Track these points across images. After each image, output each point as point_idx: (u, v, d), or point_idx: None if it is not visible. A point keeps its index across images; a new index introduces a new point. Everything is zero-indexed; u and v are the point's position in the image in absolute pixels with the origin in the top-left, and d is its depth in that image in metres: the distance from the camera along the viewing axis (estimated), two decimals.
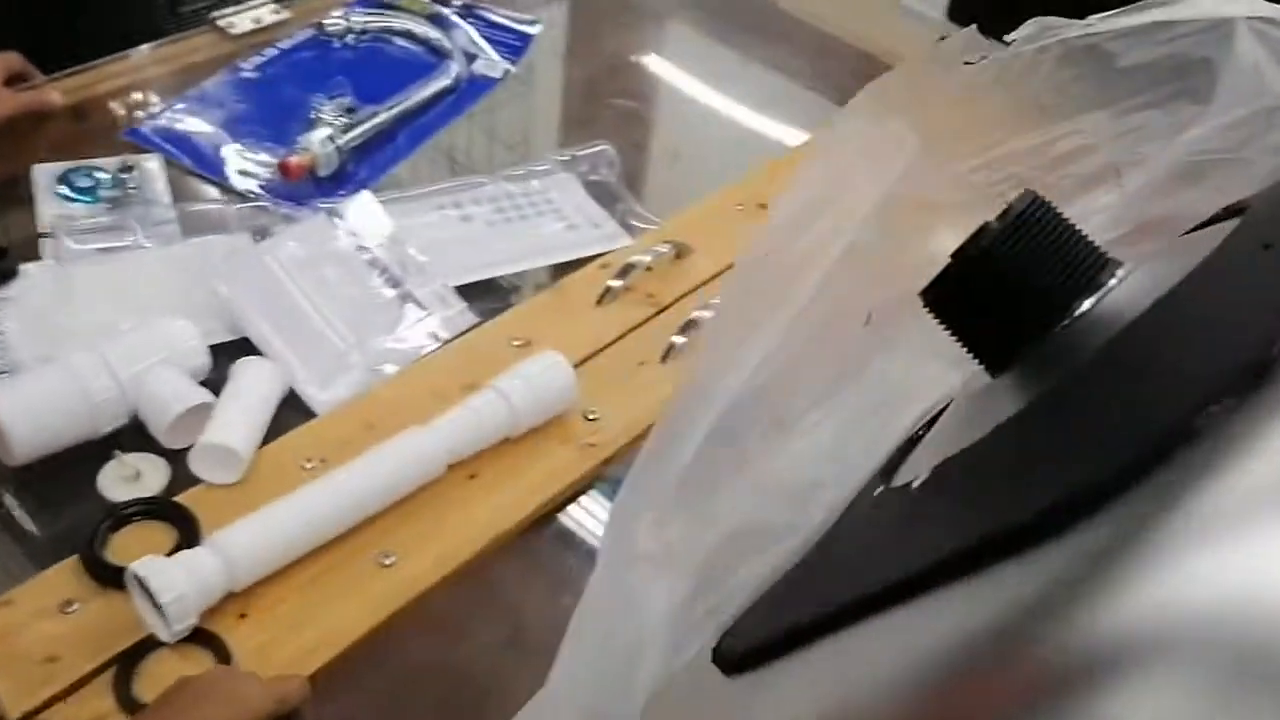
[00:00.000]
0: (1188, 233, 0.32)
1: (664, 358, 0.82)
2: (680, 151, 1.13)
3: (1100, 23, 0.32)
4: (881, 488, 0.31)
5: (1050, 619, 0.17)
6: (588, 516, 0.75)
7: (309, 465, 0.70)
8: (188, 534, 0.64)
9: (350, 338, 0.76)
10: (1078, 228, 0.29)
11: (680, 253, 0.90)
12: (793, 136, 1.09)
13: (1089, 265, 0.28)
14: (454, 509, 0.70)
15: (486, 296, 0.86)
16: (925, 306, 0.30)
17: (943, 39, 0.39)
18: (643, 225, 0.95)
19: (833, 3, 1.26)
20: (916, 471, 0.31)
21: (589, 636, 0.27)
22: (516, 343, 0.81)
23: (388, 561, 0.66)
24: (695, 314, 0.83)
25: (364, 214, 0.85)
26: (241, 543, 0.61)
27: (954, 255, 0.30)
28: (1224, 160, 0.37)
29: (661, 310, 0.86)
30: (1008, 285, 0.28)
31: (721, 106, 1.16)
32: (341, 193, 0.90)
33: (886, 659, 0.21)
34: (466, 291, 0.84)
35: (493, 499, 0.71)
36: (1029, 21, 0.32)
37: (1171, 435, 0.18)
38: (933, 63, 0.34)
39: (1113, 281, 0.28)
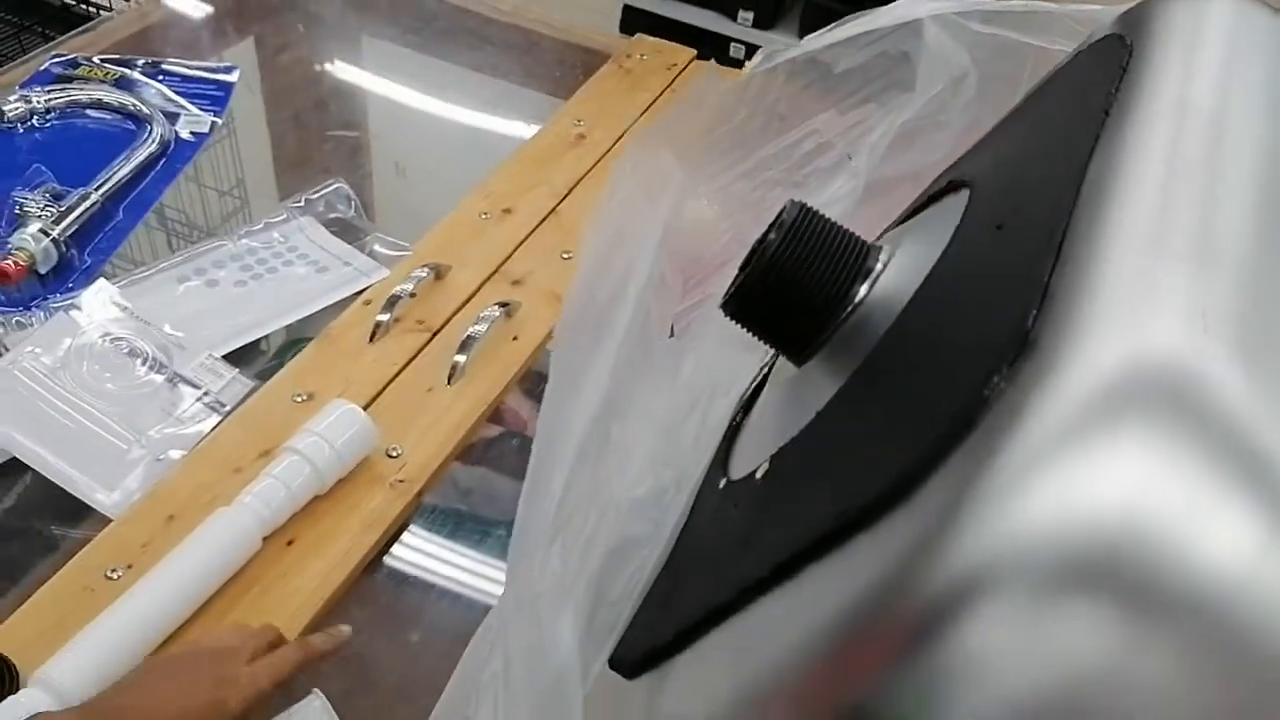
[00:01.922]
0: (919, 205, 0.38)
1: (450, 379, 0.83)
2: (407, 169, 1.13)
3: (814, 41, 0.37)
4: (723, 480, 0.35)
5: (908, 574, 0.21)
6: (410, 551, 0.76)
7: (115, 575, 0.67)
8: (6, 681, 0.60)
9: (127, 433, 0.73)
10: (839, 223, 0.34)
11: (439, 273, 0.91)
12: (516, 133, 1.12)
13: (857, 255, 0.33)
14: (279, 581, 0.69)
15: (256, 358, 0.84)
16: (728, 316, 0.34)
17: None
18: (395, 253, 0.95)
19: None
20: (750, 459, 0.35)
21: (516, 673, 0.30)
22: (300, 398, 0.80)
23: None
24: (471, 330, 0.85)
25: (105, 303, 0.81)
26: (70, 673, 0.59)
27: (743, 269, 0.34)
28: (927, 125, 0.43)
29: (435, 334, 0.87)
30: (795, 286, 0.33)
31: (441, 117, 1.17)
32: (72, 285, 0.85)
33: (776, 637, 0.24)
34: (234, 358, 0.82)
35: (316, 562, 0.70)
36: (759, 52, 0.37)
37: (971, 407, 0.22)
38: (684, 101, 0.38)
39: (879, 266, 0.33)
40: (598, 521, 0.34)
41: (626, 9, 1.38)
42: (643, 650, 0.30)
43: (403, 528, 0.76)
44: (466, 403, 0.82)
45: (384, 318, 0.87)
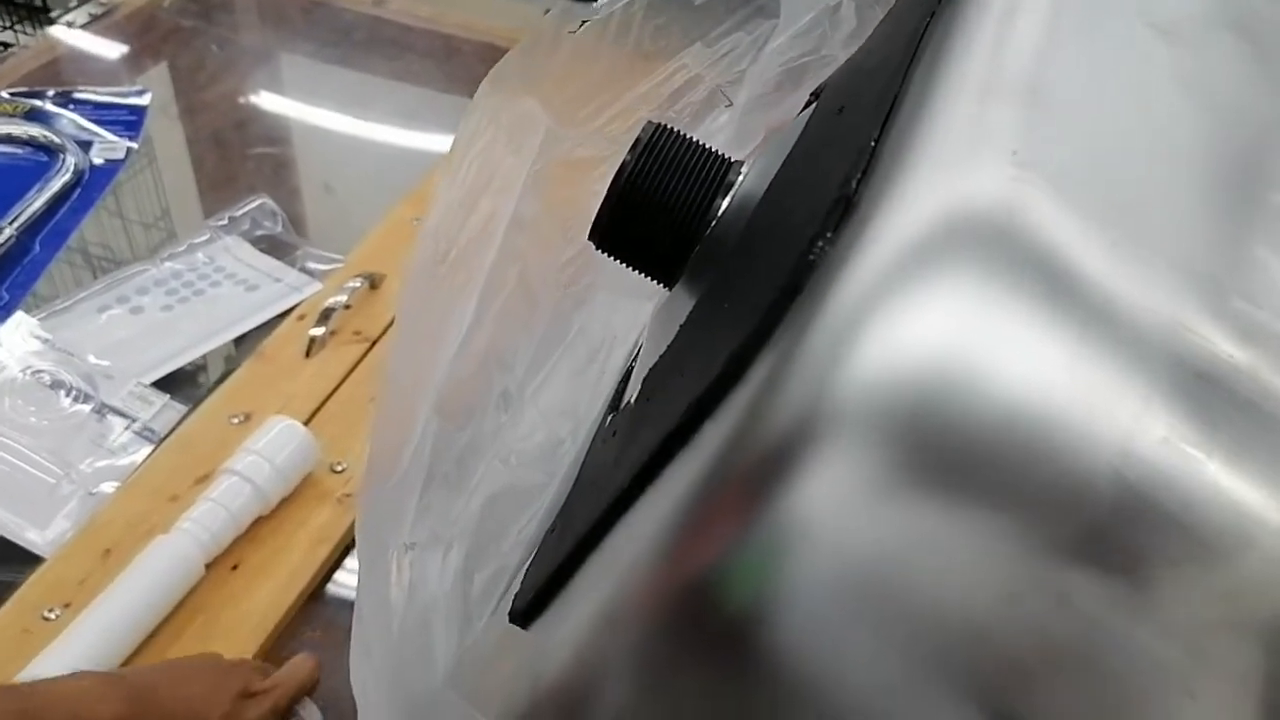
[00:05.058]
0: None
1: None
2: (335, 182, 1.12)
3: None
4: (610, 417, 0.34)
5: (736, 445, 0.20)
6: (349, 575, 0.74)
7: (52, 614, 0.65)
8: None
9: (56, 468, 0.72)
10: (699, 140, 0.33)
11: (374, 282, 0.90)
12: (441, 142, 1.10)
13: (717, 170, 0.32)
14: (226, 607, 0.67)
15: (187, 383, 0.82)
16: (595, 246, 0.33)
17: (548, 11, 0.42)
18: (326, 266, 0.93)
19: (440, 2, 1.27)
20: (632, 392, 0.34)
21: (372, 625, 0.29)
22: (236, 420, 0.78)
23: None
24: None
25: (24, 336, 0.79)
26: None
27: (605, 196, 0.32)
28: (811, 62, 0.42)
29: (374, 343, 0.85)
30: (655, 207, 0.32)
31: (366, 128, 1.15)
32: None
33: (633, 544, 0.23)
34: (166, 386, 0.80)
35: (264, 584, 0.68)
36: None
37: (796, 275, 0.21)
38: (540, 40, 0.37)
39: (739, 179, 0.32)
40: (484, 473, 0.33)
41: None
42: (529, 597, 0.29)
43: (353, 543, 0.74)
44: None
45: (319, 331, 0.85)
